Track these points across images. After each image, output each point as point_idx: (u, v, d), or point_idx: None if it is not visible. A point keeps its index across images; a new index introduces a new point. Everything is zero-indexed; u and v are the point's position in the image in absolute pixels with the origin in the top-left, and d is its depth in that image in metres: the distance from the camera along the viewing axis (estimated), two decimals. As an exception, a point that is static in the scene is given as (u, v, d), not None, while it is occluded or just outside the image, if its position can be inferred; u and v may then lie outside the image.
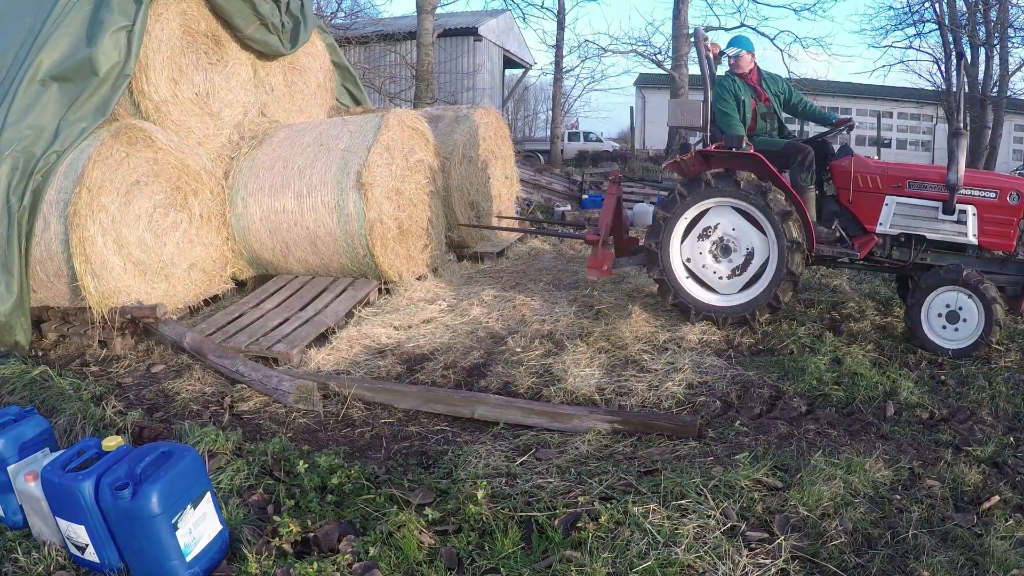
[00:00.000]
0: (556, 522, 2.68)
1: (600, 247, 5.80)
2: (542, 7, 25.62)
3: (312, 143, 6.21)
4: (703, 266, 5.42)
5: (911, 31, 24.81)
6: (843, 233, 5.35)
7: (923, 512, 2.84)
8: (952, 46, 19.75)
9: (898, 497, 2.95)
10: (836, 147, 5.65)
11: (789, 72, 19.44)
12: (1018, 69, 19.81)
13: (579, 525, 2.63)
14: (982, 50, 18.88)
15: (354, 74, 8.57)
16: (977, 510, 2.88)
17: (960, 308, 4.83)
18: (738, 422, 3.75)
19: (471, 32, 20.91)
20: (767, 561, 2.46)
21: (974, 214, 5.01)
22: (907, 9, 20.37)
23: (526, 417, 3.75)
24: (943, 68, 20.62)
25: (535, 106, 43.43)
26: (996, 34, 18.55)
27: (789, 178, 5.38)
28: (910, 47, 30.01)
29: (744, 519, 2.72)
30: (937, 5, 19.63)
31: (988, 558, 2.52)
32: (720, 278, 5.39)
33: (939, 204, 5.06)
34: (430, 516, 2.72)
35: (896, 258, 5.32)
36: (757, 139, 5.57)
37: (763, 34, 19.64)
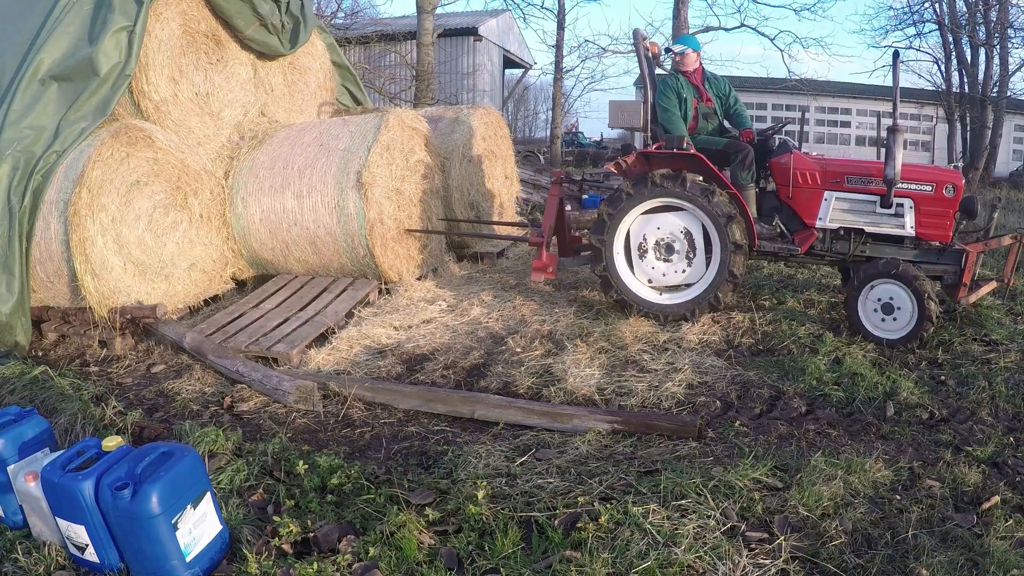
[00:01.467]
0: (556, 522, 2.68)
1: (545, 249, 5.83)
2: (542, 7, 25.63)
3: (312, 143, 6.21)
4: (663, 275, 5.47)
5: (911, 31, 24.83)
6: (784, 229, 5.45)
7: (923, 512, 2.84)
8: (952, 46, 19.78)
9: (898, 497, 2.94)
10: (775, 144, 5.72)
11: (789, 72, 19.45)
12: (1018, 69, 19.83)
13: (579, 525, 2.63)
14: (982, 50, 18.89)
15: (354, 74, 8.57)
16: (977, 510, 2.88)
17: (893, 300, 4.97)
18: (738, 422, 3.75)
19: (471, 32, 20.90)
20: (767, 561, 2.46)
21: (911, 207, 5.15)
22: (907, 9, 20.41)
23: (526, 417, 3.75)
24: (943, 68, 20.64)
25: (535, 106, 43.44)
26: (996, 34, 18.55)
27: (730, 176, 5.45)
28: (910, 47, 30.01)
29: (744, 519, 2.72)
30: (937, 5, 19.65)
31: (988, 558, 2.52)
32: (684, 271, 5.43)
33: (877, 198, 5.20)
34: (430, 516, 2.72)
35: (836, 251, 5.44)
36: (698, 138, 5.64)
37: (763, 34, 19.65)
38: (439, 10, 16.02)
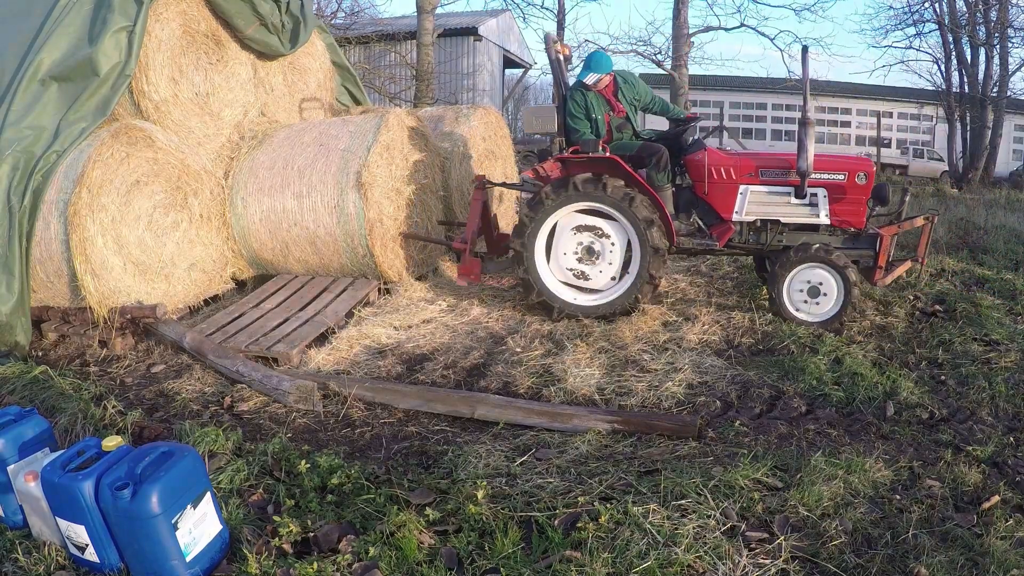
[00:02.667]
0: (556, 522, 2.68)
1: (468, 254, 5.86)
2: (542, 7, 25.67)
3: (312, 143, 6.21)
4: (601, 272, 5.45)
5: (911, 31, 24.85)
6: (701, 224, 5.58)
7: (923, 512, 2.84)
8: (952, 46, 19.77)
9: (898, 497, 2.94)
10: (688, 141, 5.82)
11: (789, 72, 19.45)
12: (1018, 69, 19.82)
13: (579, 525, 2.63)
14: (982, 50, 18.89)
15: (354, 74, 8.57)
16: (977, 510, 2.88)
17: (822, 285, 5.20)
18: (738, 422, 3.75)
19: (471, 32, 20.91)
20: (767, 561, 2.46)
21: (825, 196, 5.32)
22: (907, 9, 20.39)
23: (526, 417, 3.75)
24: (943, 68, 20.63)
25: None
26: (996, 34, 18.54)
27: (646, 178, 5.54)
28: (910, 47, 30.07)
29: (744, 519, 2.72)
30: (937, 5, 19.65)
31: (988, 558, 2.52)
32: (612, 263, 5.43)
33: (791, 189, 5.35)
34: (430, 516, 2.72)
35: (753, 242, 5.58)
36: (612, 145, 5.67)
37: (763, 34, 19.66)
38: (439, 10, 16.04)
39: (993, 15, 18.50)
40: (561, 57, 5.83)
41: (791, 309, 5.30)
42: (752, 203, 5.44)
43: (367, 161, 5.87)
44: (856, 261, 5.36)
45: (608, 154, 5.35)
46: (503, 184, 6.65)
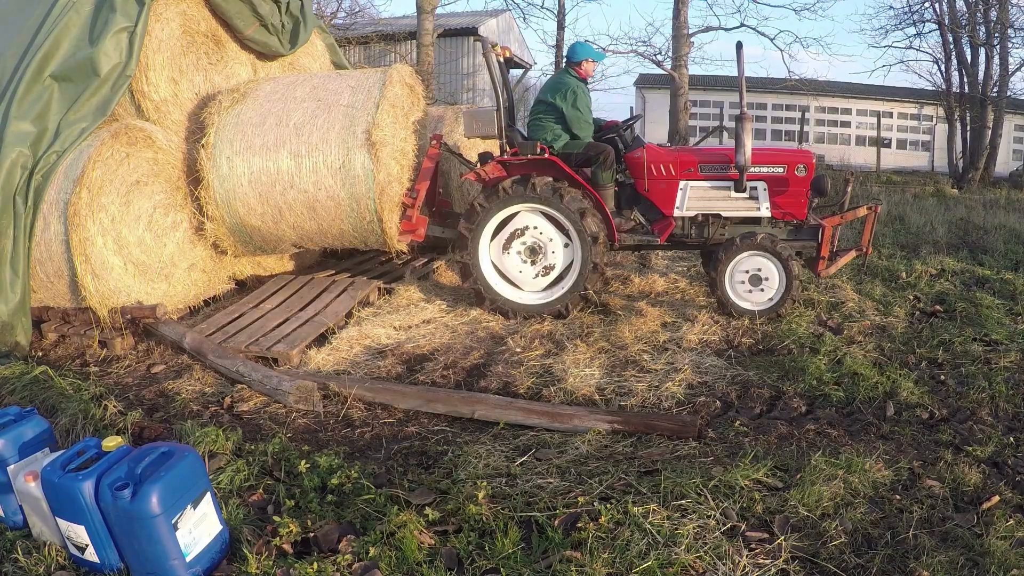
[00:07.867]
0: (556, 522, 2.68)
1: (416, 210, 5.77)
2: (542, 7, 25.64)
3: (307, 98, 5.77)
4: (547, 269, 5.52)
5: (911, 31, 24.84)
6: (642, 220, 5.66)
7: (923, 512, 2.84)
8: (952, 46, 19.76)
9: (898, 497, 2.95)
10: (629, 139, 5.92)
11: (789, 72, 19.44)
12: (1018, 69, 19.78)
13: (579, 525, 2.63)
14: (982, 50, 18.87)
15: (354, 74, 8.55)
16: (977, 510, 2.88)
17: (762, 272, 5.29)
18: (738, 422, 3.75)
19: (471, 32, 20.90)
20: (767, 561, 2.46)
21: (765, 189, 5.41)
22: (907, 9, 20.36)
23: (526, 417, 3.75)
24: (943, 68, 20.62)
25: (535, 106, 43.22)
26: (996, 34, 18.52)
27: (591, 176, 5.60)
28: (910, 47, 30.03)
29: (744, 519, 2.72)
30: (937, 5, 19.62)
31: (988, 558, 2.52)
32: (555, 264, 5.50)
33: (731, 183, 5.44)
34: (430, 516, 2.73)
35: (696, 236, 5.65)
36: (562, 142, 5.72)
37: (763, 34, 19.65)
38: (439, 10, 16.04)
39: (993, 15, 18.48)
40: (501, 60, 5.90)
41: (731, 295, 5.38)
42: (692, 198, 5.53)
43: (376, 119, 5.45)
44: (799, 252, 5.45)
45: (547, 155, 5.41)
46: (458, 156, 6.60)
